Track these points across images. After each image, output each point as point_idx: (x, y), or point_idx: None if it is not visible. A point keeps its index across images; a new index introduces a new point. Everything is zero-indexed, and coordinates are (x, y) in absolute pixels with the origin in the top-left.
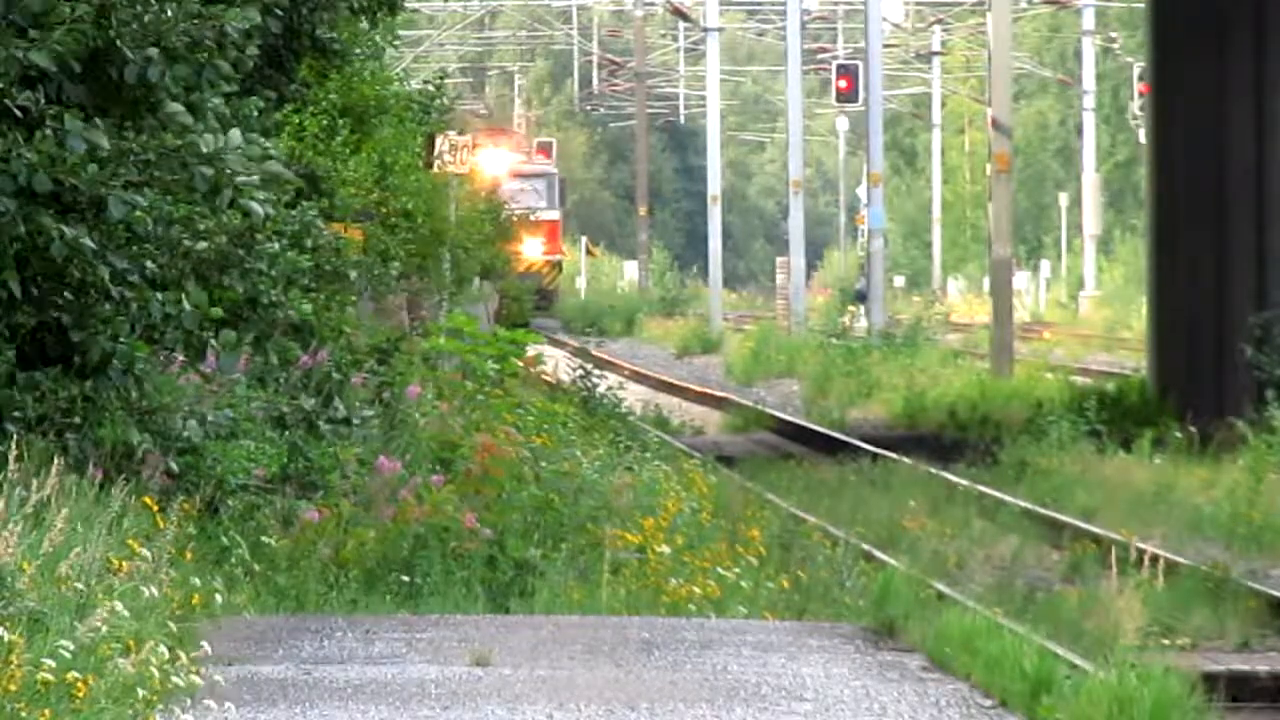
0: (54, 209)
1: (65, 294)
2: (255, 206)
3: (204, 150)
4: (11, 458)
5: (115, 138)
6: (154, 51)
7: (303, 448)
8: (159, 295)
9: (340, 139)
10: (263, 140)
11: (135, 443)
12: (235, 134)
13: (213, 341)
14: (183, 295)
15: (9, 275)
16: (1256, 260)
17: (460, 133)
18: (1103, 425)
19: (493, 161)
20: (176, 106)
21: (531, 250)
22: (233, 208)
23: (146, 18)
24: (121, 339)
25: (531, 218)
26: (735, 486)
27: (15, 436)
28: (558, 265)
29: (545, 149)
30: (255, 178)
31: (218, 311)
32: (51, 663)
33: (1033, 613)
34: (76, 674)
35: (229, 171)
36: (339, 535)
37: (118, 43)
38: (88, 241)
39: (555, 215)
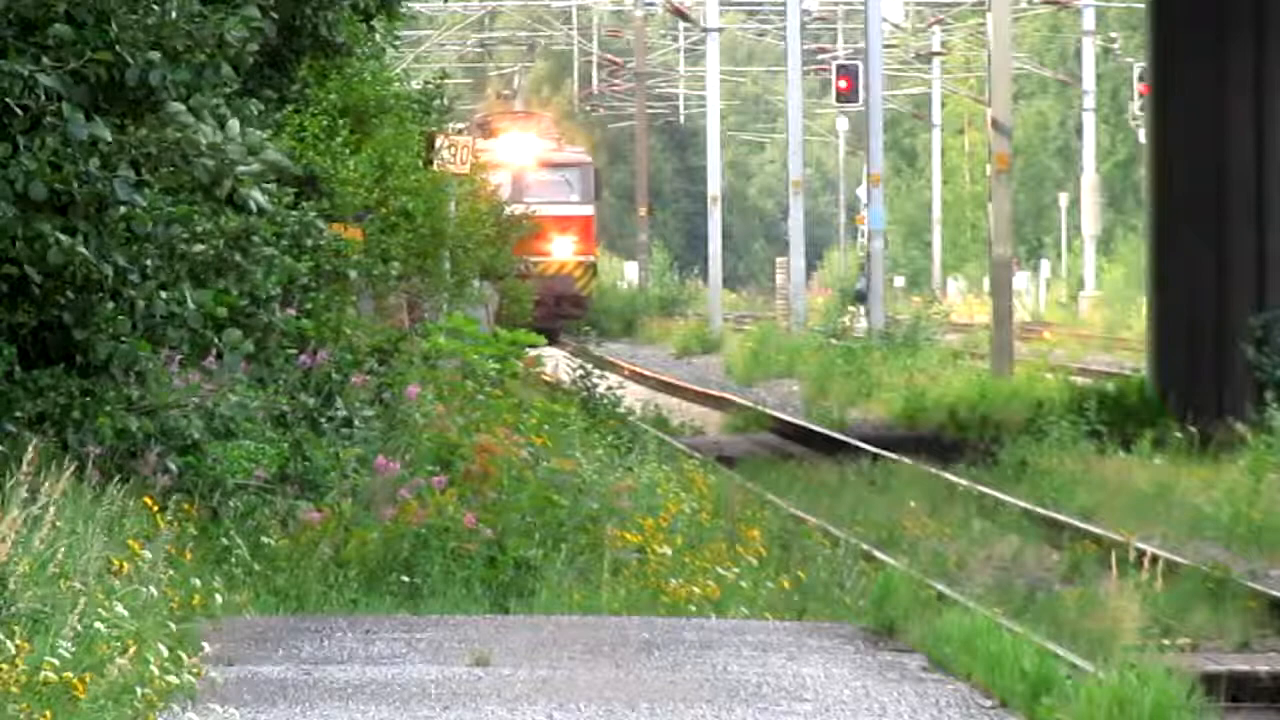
0: (53, 212)
1: (68, 293)
2: (257, 196)
3: (204, 143)
4: (22, 459)
5: (117, 134)
6: (155, 54)
7: (303, 447)
8: (162, 294)
9: (340, 139)
10: (261, 133)
11: (134, 429)
12: (234, 124)
13: (216, 340)
14: (186, 294)
15: (14, 268)
16: (1256, 260)
17: (469, 126)
18: (1103, 425)
19: (519, 149)
20: (177, 106)
21: (561, 250)
22: (233, 200)
23: (150, 20)
24: (123, 338)
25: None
26: (735, 487)
27: (16, 436)
28: (591, 267)
29: None
30: (255, 167)
31: (222, 310)
32: (55, 662)
33: (1033, 613)
34: (76, 674)
35: (229, 161)
36: (339, 535)
37: (117, 47)
38: (83, 250)
39: (589, 210)
